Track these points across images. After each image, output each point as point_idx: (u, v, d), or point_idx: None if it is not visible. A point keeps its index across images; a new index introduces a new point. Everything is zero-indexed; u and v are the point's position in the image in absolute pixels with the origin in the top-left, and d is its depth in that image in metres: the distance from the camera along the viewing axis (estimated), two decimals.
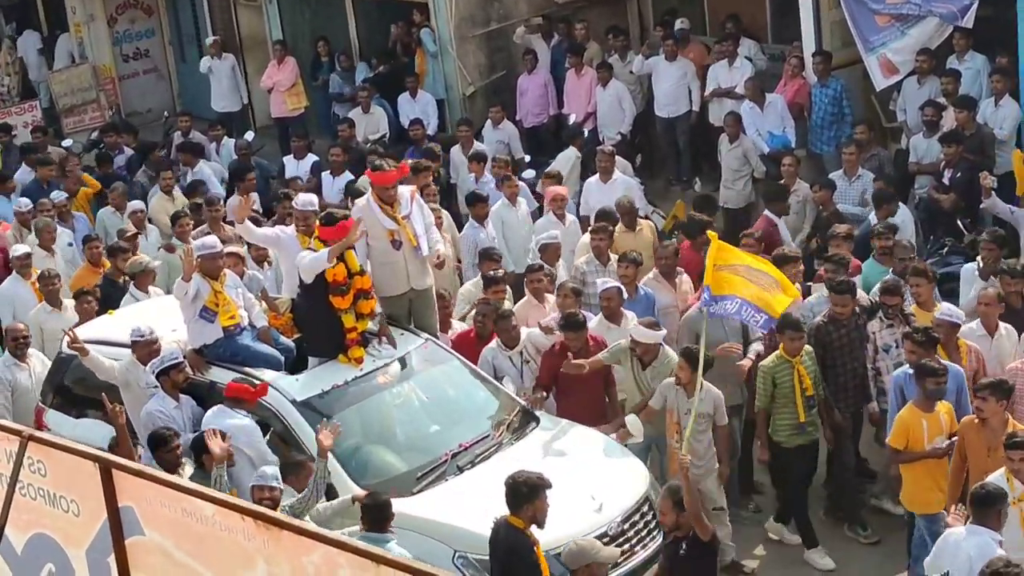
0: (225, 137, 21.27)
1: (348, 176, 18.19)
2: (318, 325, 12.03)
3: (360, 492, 10.69)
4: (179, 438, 10.96)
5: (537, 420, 12.05)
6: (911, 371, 11.39)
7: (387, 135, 20.74)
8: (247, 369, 11.81)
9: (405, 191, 12.50)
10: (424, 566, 5.64)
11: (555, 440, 11.83)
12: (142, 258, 15.40)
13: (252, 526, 6.17)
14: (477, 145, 19.00)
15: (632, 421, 11.84)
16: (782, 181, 16.14)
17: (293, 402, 11.51)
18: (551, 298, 13.66)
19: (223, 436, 10.57)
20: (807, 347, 12.17)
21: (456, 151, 18.99)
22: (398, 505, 10.28)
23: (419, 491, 11.14)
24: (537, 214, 16.46)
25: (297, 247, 12.32)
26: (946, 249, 14.98)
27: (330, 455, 10.68)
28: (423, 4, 21.87)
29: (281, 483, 10.24)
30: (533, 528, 9.67)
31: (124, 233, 16.47)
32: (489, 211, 15.99)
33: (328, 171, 18.74)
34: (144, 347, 12.15)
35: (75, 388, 13.06)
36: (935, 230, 15.64)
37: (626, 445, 11.96)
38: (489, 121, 20.05)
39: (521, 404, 12.19)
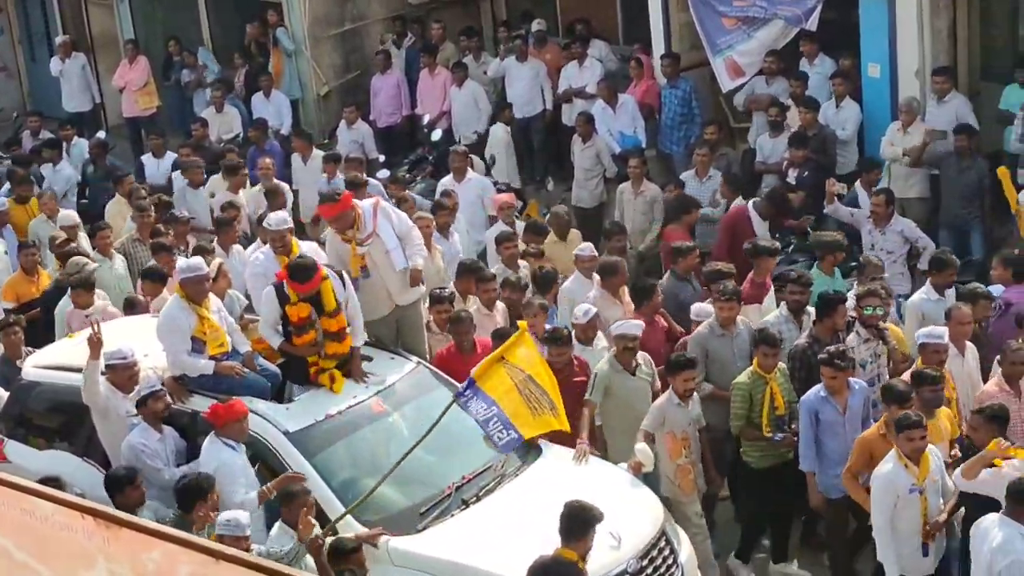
0: (76, 137, 21.00)
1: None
2: (288, 352, 11.35)
3: (364, 532, 10.04)
4: (161, 472, 10.52)
5: (539, 448, 11.19)
6: (823, 393, 11.05)
7: (240, 135, 20.64)
8: (233, 399, 10.86)
9: (367, 205, 11.84)
10: (266, 561, 5.67)
11: (563, 470, 11.03)
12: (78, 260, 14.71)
13: (92, 524, 6.12)
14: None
15: (642, 449, 11.06)
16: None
17: (285, 433, 10.70)
18: (501, 305, 13.35)
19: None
20: (781, 364, 11.66)
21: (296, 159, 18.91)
22: (402, 543, 9.93)
23: (424, 528, 10.33)
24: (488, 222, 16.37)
25: (276, 268, 11.80)
26: (791, 247, 15.29)
27: (326, 488, 10.27)
28: (277, 4, 21.81)
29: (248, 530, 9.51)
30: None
31: (55, 240, 15.84)
32: None
33: (180, 170, 18.54)
34: (123, 371, 11.17)
35: (39, 416, 12.15)
36: (781, 228, 15.94)
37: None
38: (343, 121, 20.05)
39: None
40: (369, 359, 11.48)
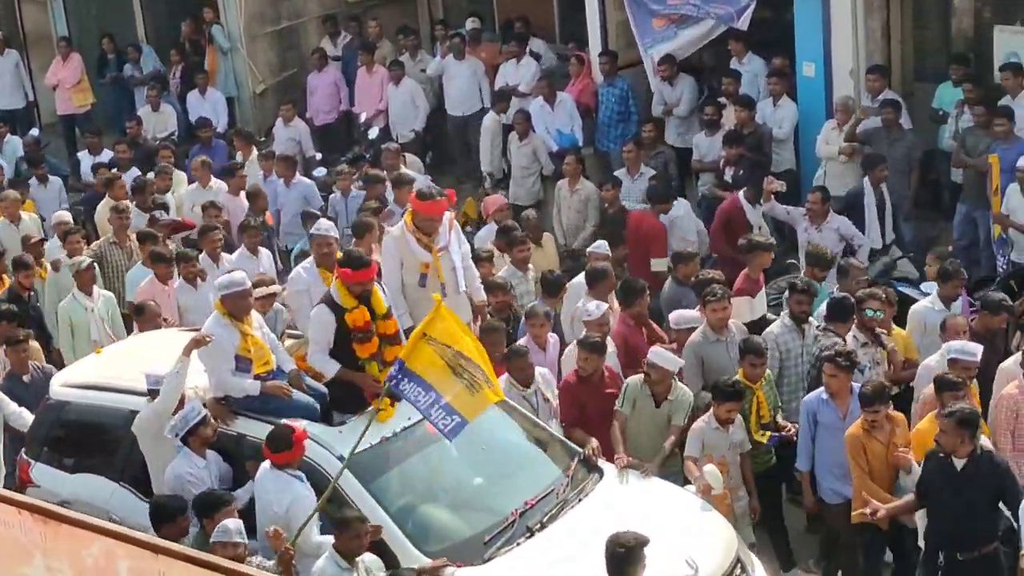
0: (9, 135, 20.79)
1: (135, 171, 17.91)
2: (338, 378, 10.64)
3: (427, 563, 9.54)
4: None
5: (600, 471, 10.69)
6: (824, 396, 11.00)
7: (176, 133, 20.51)
8: (281, 421, 10.27)
9: (445, 218, 11.34)
10: (201, 554, 5.65)
11: (629, 494, 10.52)
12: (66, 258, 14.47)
13: (29, 520, 6.09)
14: None
15: (711, 472, 10.54)
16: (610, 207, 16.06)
17: (340, 458, 9.97)
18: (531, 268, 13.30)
19: None
20: (768, 373, 11.58)
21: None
22: (469, 574, 9.52)
23: (490, 558, 9.74)
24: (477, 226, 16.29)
25: (322, 287, 11.04)
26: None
27: (385, 516, 9.73)
28: (212, 1, 21.71)
29: (245, 537, 9.30)
30: None
31: (29, 239, 15.55)
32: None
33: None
34: None
35: (70, 437, 11.45)
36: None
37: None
38: (280, 119, 19.97)
39: (578, 451, 10.83)
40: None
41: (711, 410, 11.07)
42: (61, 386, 11.67)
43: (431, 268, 11.10)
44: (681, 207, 15.51)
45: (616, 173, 16.73)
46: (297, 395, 10.54)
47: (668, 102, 17.82)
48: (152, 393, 10.59)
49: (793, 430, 11.33)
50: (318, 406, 10.54)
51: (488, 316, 12.02)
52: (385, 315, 10.55)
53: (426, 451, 10.43)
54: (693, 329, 12.19)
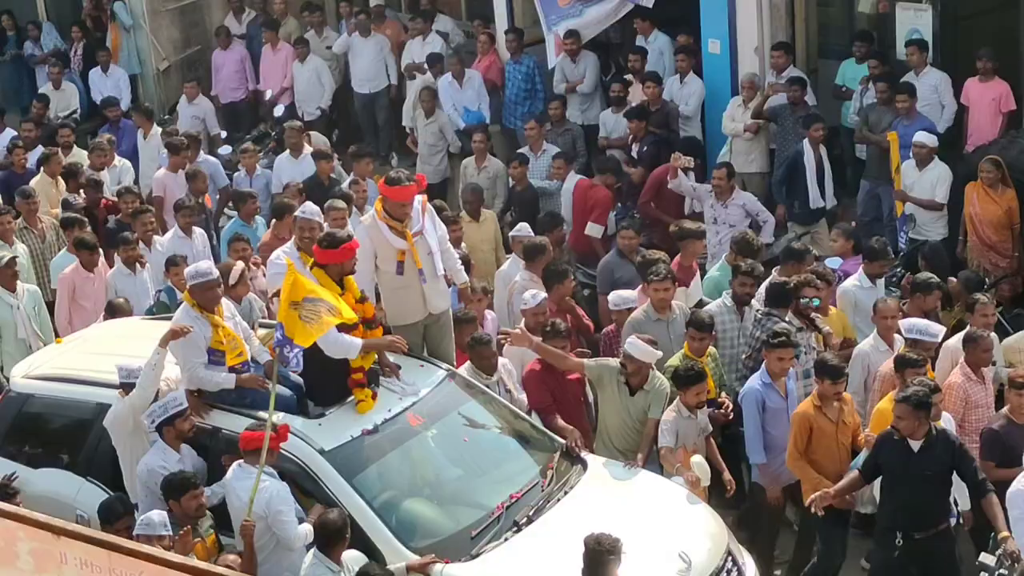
0: None
1: (40, 149, 17.63)
2: (316, 368, 10.21)
3: (415, 560, 9.38)
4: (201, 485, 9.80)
5: (583, 462, 10.53)
6: (767, 380, 10.95)
7: (78, 111, 20.24)
8: (258, 412, 9.97)
9: (416, 201, 10.83)
10: (97, 533, 5.58)
11: (616, 487, 10.36)
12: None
13: None
14: None
15: (699, 463, 10.46)
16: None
17: (321, 452, 9.78)
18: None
19: None
20: (712, 349, 11.56)
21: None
22: (459, 571, 9.33)
23: (478, 553, 9.56)
24: None
25: (302, 270, 10.51)
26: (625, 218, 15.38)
27: (369, 511, 9.56)
28: None
29: (170, 529, 9.19)
30: None
31: None
32: (258, 207, 15.21)
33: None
34: None
35: (32, 431, 11.12)
36: (624, 203, 16.05)
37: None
38: (184, 97, 19.76)
39: (560, 442, 10.69)
40: (398, 367, 10.60)
41: (678, 399, 10.89)
42: (23, 378, 11.29)
43: (407, 254, 10.60)
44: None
45: (521, 150, 16.71)
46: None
47: (570, 79, 17.82)
48: (125, 386, 10.27)
49: (729, 405, 11.34)
50: (295, 398, 10.25)
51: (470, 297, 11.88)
52: (361, 299, 10.33)
53: (407, 444, 10.20)
54: (632, 309, 12.13)
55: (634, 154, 16.29)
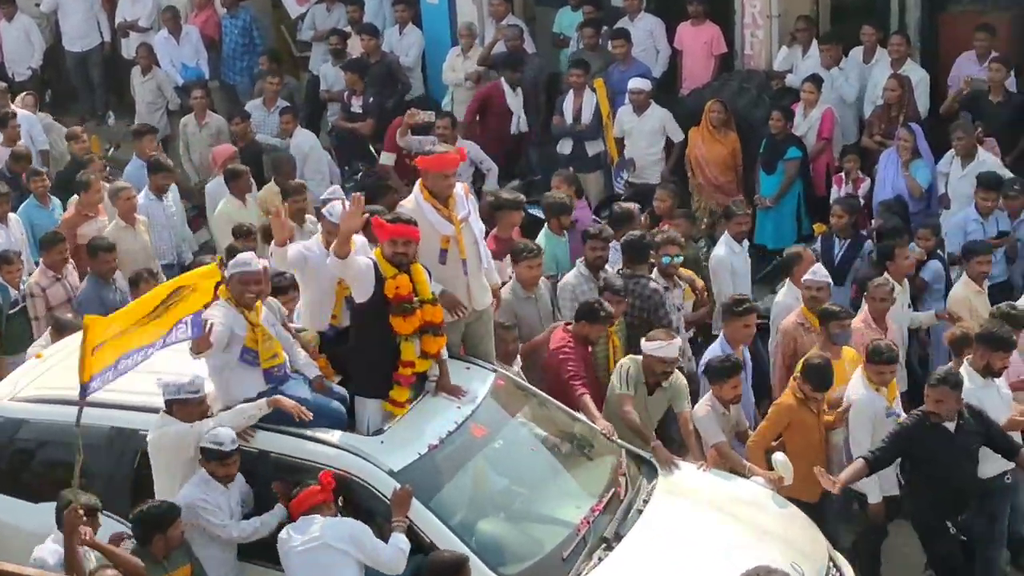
0: None
1: None
2: (365, 353, 9.05)
3: None
4: (228, 528, 8.65)
5: (650, 464, 9.60)
6: (727, 349, 10.45)
7: None
8: (311, 432, 8.80)
9: (459, 186, 9.61)
10: None
11: (697, 492, 9.44)
12: None
13: None
14: None
15: (783, 461, 9.54)
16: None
17: (391, 473, 8.59)
18: None
19: None
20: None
21: None
22: None
23: None
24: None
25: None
26: (359, 175, 15.33)
27: (455, 538, 8.42)
28: None
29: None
30: None
31: None
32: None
33: None
34: (195, 407, 8.87)
35: (29, 461, 9.75)
36: (350, 158, 15.96)
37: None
38: None
39: (624, 445, 9.67)
40: (460, 388, 9.39)
41: (710, 393, 10.19)
42: (10, 401, 9.84)
43: (451, 242, 9.35)
44: (308, 139, 15.45)
45: (248, 106, 16.47)
46: (320, 400, 9.00)
47: (320, 28, 17.60)
48: (171, 404, 8.87)
49: None
50: (345, 412, 9.05)
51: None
52: (432, 300, 9.07)
53: (476, 458, 9.14)
54: None
55: (355, 108, 16.16)
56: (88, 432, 8.73)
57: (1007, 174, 12.92)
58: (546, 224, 12.43)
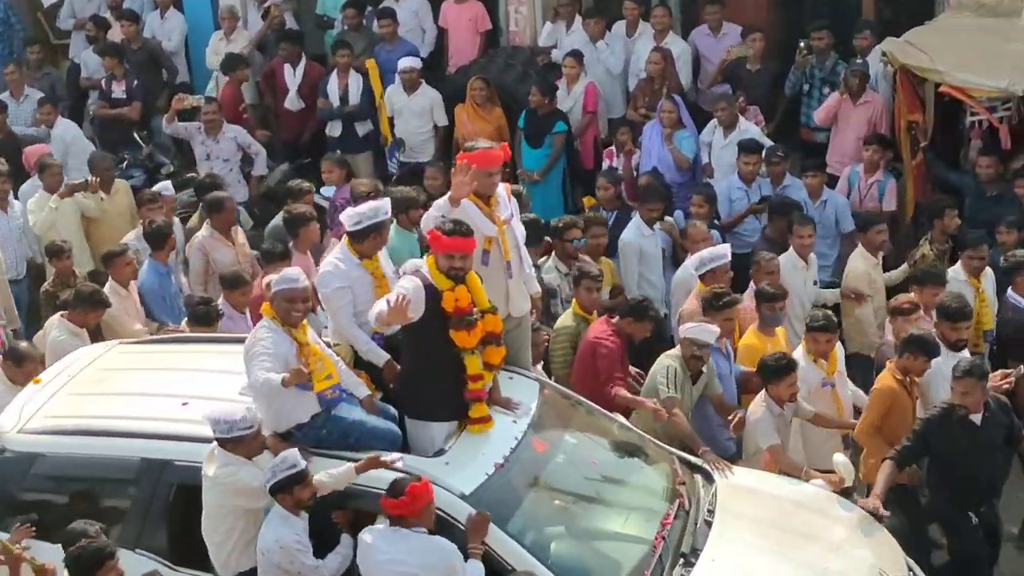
0: None
1: None
2: (426, 374, 8.42)
3: None
4: (319, 570, 7.98)
5: (703, 470, 9.22)
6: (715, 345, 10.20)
7: None
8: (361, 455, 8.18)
9: (501, 186, 9.04)
10: None
11: (761, 499, 9.08)
12: None
13: None
14: None
15: (844, 463, 9.30)
16: None
17: (463, 497, 8.02)
18: None
19: None
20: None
21: None
22: None
23: None
24: None
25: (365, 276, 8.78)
26: (125, 163, 15.02)
27: (537, 563, 7.90)
28: None
29: None
30: None
31: None
32: None
33: None
34: (251, 442, 8.18)
35: (48, 499, 8.89)
36: (116, 144, 15.60)
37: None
38: None
39: (676, 452, 9.31)
40: (512, 400, 8.89)
41: (763, 393, 9.90)
42: (20, 434, 8.96)
43: (495, 243, 8.81)
44: (70, 129, 15.08)
45: (1, 97, 16.00)
46: (376, 421, 8.44)
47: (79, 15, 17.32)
48: (228, 443, 8.12)
49: None
50: (400, 433, 8.48)
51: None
52: (492, 310, 8.53)
53: (542, 475, 8.69)
54: None
55: (120, 94, 15.78)
56: (115, 465, 8.38)
57: (768, 143, 13.22)
58: (395, 220, 11.39)
